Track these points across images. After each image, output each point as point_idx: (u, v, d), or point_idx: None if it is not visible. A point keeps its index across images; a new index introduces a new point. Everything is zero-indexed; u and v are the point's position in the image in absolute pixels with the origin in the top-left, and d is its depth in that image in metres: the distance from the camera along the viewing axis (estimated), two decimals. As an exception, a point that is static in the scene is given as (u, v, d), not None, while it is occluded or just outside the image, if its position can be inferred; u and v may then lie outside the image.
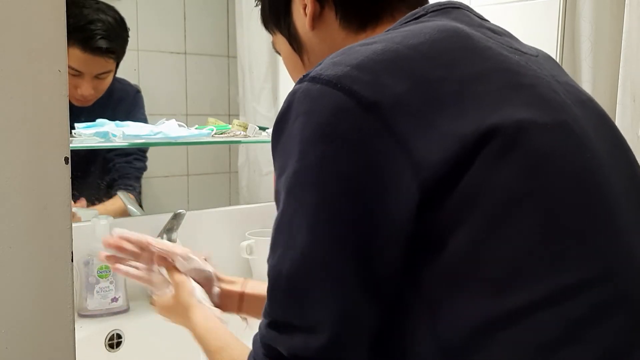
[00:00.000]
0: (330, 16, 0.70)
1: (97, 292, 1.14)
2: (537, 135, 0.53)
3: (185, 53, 1.58)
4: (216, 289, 0.92)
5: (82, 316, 1.13)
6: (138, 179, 1.45)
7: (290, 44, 0.75)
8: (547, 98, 0.56)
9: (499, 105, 0.53)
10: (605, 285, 0.51)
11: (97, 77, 1.30)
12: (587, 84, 1.31)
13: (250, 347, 0.59)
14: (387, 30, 0.62)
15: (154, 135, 1.18)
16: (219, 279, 0.94)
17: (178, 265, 0.89)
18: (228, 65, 1.67)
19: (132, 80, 1.44)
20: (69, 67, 1.24)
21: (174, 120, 1.24)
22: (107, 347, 1.11)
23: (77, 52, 1.25)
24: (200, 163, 1.66)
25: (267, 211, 1.46)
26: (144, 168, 1.46)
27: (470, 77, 0.54)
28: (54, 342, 0.45)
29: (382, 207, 0.51)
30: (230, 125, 1.32)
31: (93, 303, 1.14)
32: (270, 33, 0.79)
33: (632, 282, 0.53)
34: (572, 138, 0.55)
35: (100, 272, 1.14)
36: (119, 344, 1.13)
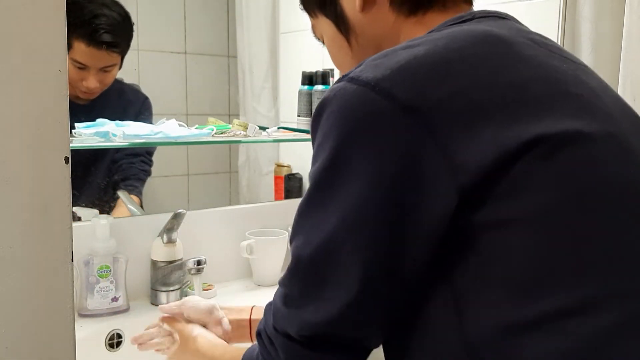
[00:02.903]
0: None
1: (97, 292, 1.13)
2: (582, 144, 0.52)
3: (185, 53, 1.58)
4: (225, 319, 0.93)
5: (82, 316, 1.13)
6: (142, 181, 1.46)
7: (337, 26, 0.73)
8: (594, 108, 0.55)
9: (544, 113, 0.52)
10: (636, 300, 0.50)
11: (103, 70, 1.34)
12: (587, 84, 1.31)
13: None
14: (431, 31, 0.61)
15: (154, 135, 1.18)
16: (224, 309, 0.95)
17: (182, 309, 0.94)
18: (228, 65, 1.67)
19: (132, 80, 1.45)
20: (75, 60, 1.28)
21: (174, 120, 1.24)
22: (107, 347, 1.11)
23: (82, 46, 1.28)
24: (200, 163, 1.66)
25: (267, 211, 1.46)
26: (149, 172, 1.47)
27: (514, 85, 0.54)
28: (54, 342, 0.45)
29: (415, 210, 0.51)
30: (230, 125, 1.32)
31: (93, 303, 1.14)
32: (311, 16, 0.77)
33: None
34: (617, 150, 0.54)
35: (100, 272, 1.14)
36: (119, 343, 1.13)
